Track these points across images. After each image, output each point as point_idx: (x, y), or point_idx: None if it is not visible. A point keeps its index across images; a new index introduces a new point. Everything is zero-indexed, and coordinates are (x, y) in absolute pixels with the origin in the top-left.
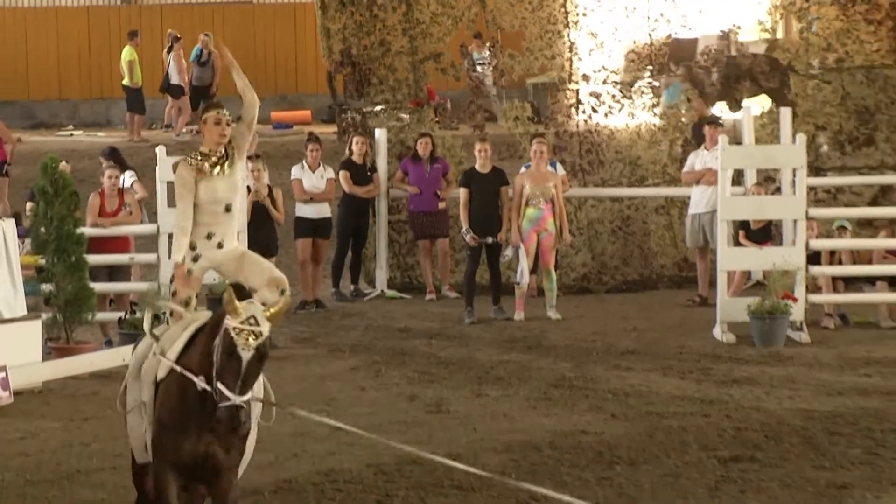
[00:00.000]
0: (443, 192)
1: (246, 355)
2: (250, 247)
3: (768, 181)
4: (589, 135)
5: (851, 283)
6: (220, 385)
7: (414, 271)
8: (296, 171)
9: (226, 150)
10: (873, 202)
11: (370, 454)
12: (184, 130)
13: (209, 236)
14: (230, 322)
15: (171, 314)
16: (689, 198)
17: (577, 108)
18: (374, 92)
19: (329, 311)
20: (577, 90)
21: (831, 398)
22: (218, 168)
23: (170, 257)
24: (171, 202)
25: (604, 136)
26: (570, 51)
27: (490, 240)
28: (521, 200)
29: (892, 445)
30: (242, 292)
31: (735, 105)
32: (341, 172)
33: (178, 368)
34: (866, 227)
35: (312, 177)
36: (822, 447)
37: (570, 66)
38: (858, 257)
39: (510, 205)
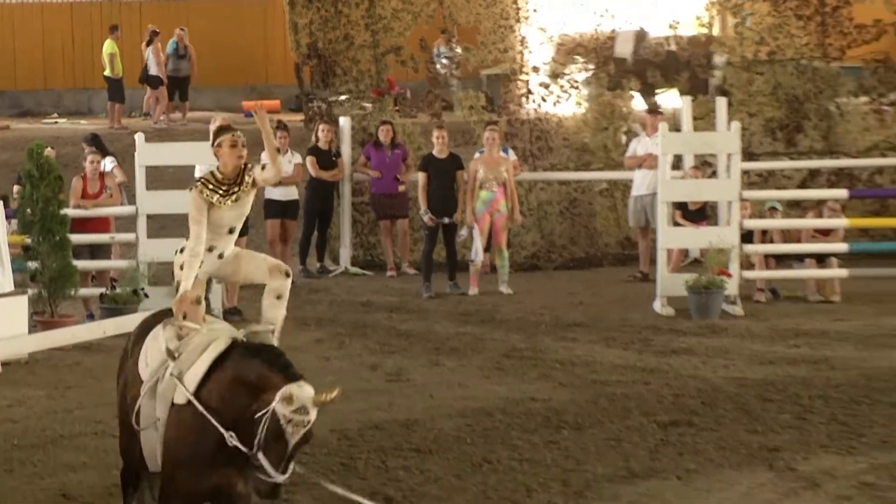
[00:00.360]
0: (402, 176)
1: (294, 440)
2: None
3: (705, 165)
4: (539, 122)
5: (782, 260)
6: (262, 458)
7: (376, 250)
8: (265, 157)
9: (242, 176)
10: (802, 185)
11: (334, 420)
12: (161, 118)
13: (210, 249)
14: (282, 409)
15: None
16: (631, 181)
17: (527, 98)
18: (339, 83)
19: (296, 287)
20: (528, 81)
21: (763, 367)
22: (230, 199)
23: (175, 283)
24: (150, 185)
25: (552, 124)
26: (521, 44)
27: (447, 220)
28: (475, 184)
29: (820, 411)
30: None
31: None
32: (308, 158)
33: (201, 409)
34: (795, 208)
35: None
36: (754, 412)
37: (521, 58)
38: (788, 236)
39: (465, 188)
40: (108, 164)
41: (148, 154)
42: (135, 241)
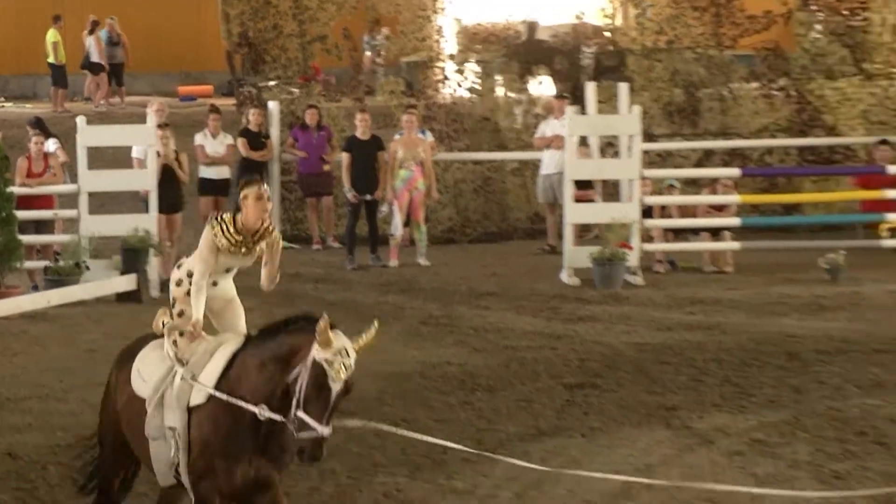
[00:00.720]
0: (327, 156)
1: (336, 387)
2: (161, 204)
3: (609, 146)
4: (454, 106)
5: (679, 233)
6: (304, 415)
7: (302, 224)
8: (199, 138)
9: (261, 235)
10: (698, 164)
11: None
12: (101, 103)
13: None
14: (321, 354)
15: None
16: (540, 161)
17: (443, 84)
18: (268, 69)
19: None
20: (444, 68)
21: (661, 332)
22: (240, 252)
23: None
24: (91, 165)
25: (467, 108)
26: (438, 33)
27: (369, 197)
28: (395, 163)
29: (713, 373)
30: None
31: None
32: (239, 139)
33: (227, 398)
34: (692, 185)
35: (214, 143)
36: (653, 375)
37: (438, 46)
38: (685, 211)
39: (386, 167)
40: (51, 145)
41: (89, 136)
42: (77, 217)
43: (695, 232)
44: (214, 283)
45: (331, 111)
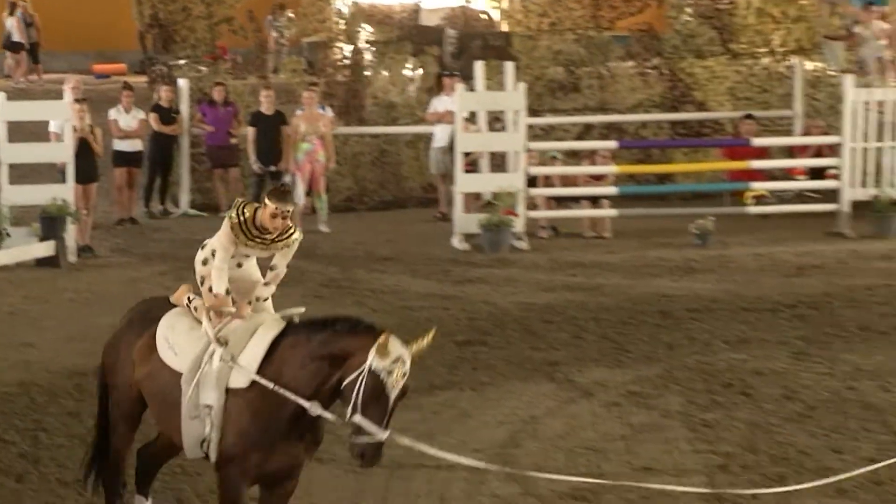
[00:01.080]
0: (234, 130)
1: (394, 394)
2: (77, 174)
3: (496, 121)
4: (352, 84)
5: (561, 201)
6: (362, 420)
7: (211, 194)
8: (113, 113)
9: (282, 236)
10: (579, 137)
11: None
12: (21, 80)
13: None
14: (380, 363)
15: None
16: (433, 134)
17: (342, 62)
18: (178, 49)
19: (142, 227)
20: (342, 48)
21: (545, 293)
22: (258, 246)
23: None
24: (11, 138)
25: (364, 85)
26: (338, 15)
27: (272, 168)
28: (297, 137)
29: (593, 330)
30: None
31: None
32: (151, 114)
33: (274, 387)
34: (573, 157)
35: (127, 117)
36: (537, 332)
37: (337, 28)
38: (567, 181)
39: (288, 140)
40: None
41: (9, 111)
42: None
43: (575, 200)
44: (239, 265)
45: (237, 88)
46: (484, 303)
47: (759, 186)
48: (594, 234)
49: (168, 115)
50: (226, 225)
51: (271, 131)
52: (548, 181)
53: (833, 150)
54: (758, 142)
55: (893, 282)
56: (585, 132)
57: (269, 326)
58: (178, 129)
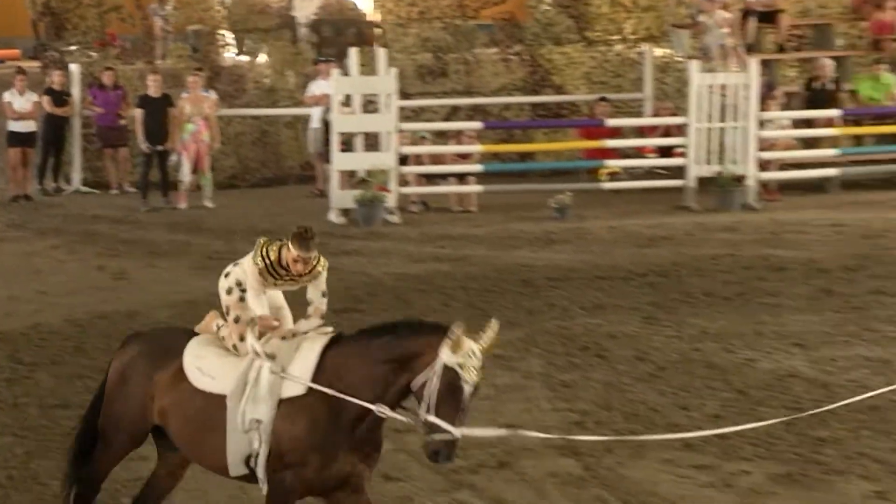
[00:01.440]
0: (123, 112)
1: (468, 389)
2: None
3: (370, 104)
4: (235, 69)
5: (430, 178)
6: (436, 419)
7: (101, 172)
8: (7, 96)
9: (309, 269)
10: (446, 118)
11: (68, 312)
12: None
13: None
14: (453, 358)
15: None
16: (310, 116)
17: (225, 49)
18: (69, 35)
19: (36, 203)
20: (225, 35)
21: (416, 264)
22: (287, 284)
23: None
24: None
25: (246, 70)
26: (220, 5)
27: (160, 147)
28: (182, 118)
29: (460, 298)
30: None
31: None
32: (44, 97)
33: (334, 393)
34: (441, 137)
35: (21, 100)
36: (409, 300)
37: (220, 16)
38: (435, 159)
39: (175, 121)
40: None
41: None
42: None
43: (443, 177)
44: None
45: (125, 73)
46: (359, 273)
47: (613, 164)
48: (461, 208)
49: (60, 97)
50: (252, 271)
51: (158, 113)
52: (418, 159)
53: (680, 130)
54: (611, 122)
55: (736, 252)
56: (452, 114)
57: (314, 339)
58: (70, 110)
